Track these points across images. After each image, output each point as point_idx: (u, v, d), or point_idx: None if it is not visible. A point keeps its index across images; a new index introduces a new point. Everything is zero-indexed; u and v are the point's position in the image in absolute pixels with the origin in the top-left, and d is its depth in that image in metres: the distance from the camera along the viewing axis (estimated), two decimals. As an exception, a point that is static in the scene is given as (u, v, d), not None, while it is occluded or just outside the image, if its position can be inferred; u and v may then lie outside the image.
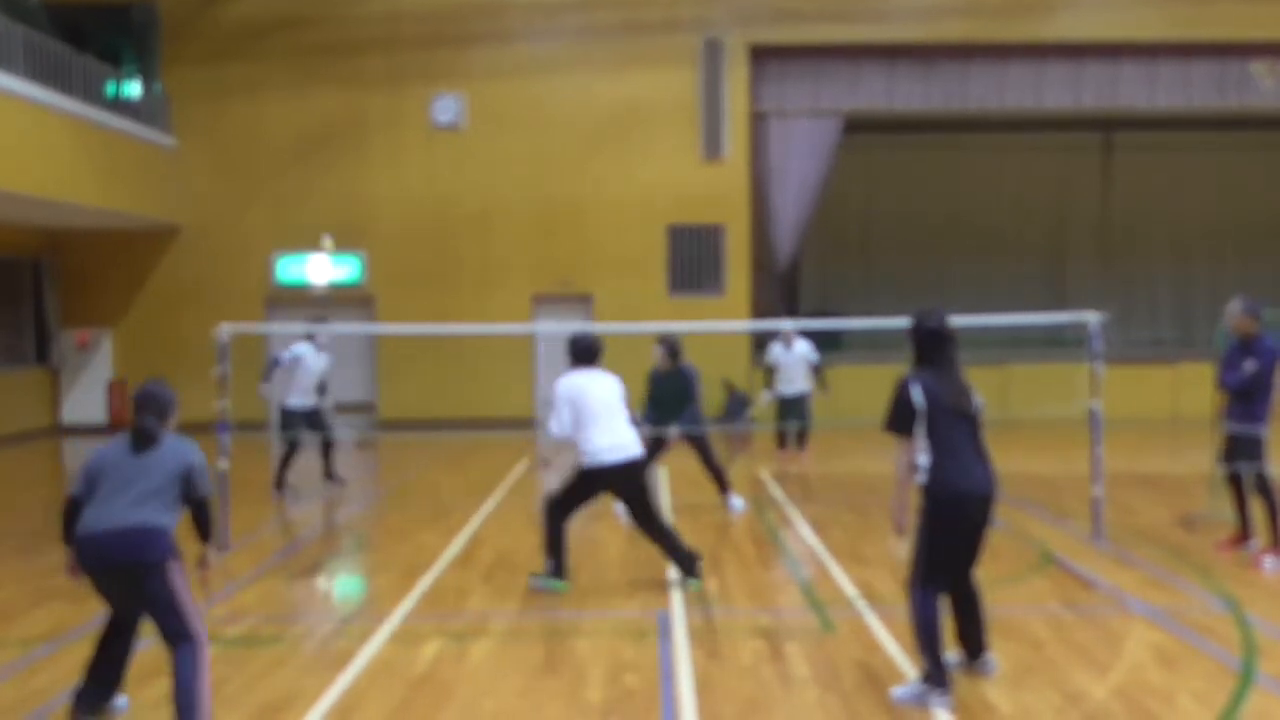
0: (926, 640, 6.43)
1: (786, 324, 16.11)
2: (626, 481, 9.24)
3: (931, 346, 6.64)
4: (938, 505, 6.46)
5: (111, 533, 6.11)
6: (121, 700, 6.49)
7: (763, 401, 17.29)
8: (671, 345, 12.73)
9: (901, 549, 10.73)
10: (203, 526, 6.44)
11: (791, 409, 16.48)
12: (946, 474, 6.44)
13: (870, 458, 16.91)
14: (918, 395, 6.47)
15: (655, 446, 12.66)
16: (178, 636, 6.09)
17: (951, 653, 6.79)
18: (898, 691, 6.53)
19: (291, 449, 14.61)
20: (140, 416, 6.37)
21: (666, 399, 12.62)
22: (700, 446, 12.75)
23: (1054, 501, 12.97)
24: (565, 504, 9.35)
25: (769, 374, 16.70)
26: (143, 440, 6.33)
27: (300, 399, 14.73)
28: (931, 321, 6.68)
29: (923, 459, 6.47)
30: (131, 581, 6.15)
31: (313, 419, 14.84)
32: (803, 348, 16.40)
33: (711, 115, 23.24)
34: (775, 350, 16.57)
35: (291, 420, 14.65)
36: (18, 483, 17.30)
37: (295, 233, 23.33)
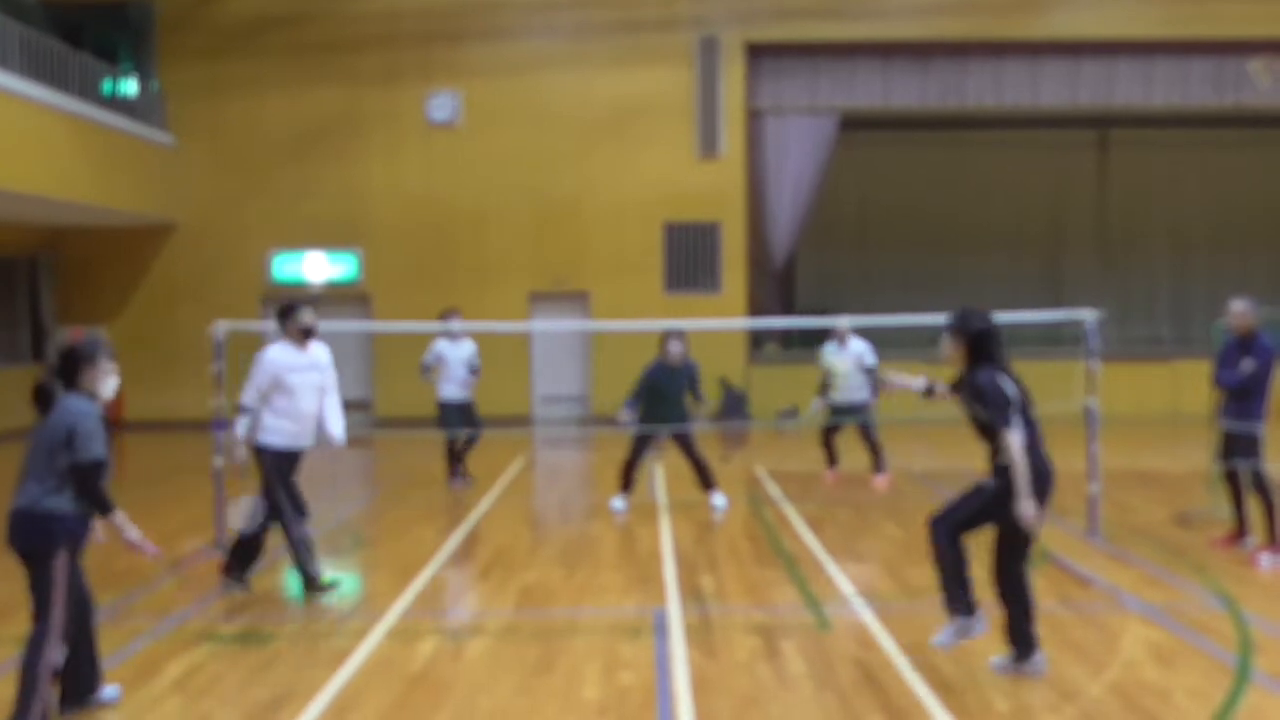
0: (953, 572, 6.68)
1: (842, 321, 14.27)
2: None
3: (987, 345, 6.80)
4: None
5: (9, 515, 5.91)
6: (110, 690, 6.44)
7: (812, 410, 15.00)
8: (685, 339, 12.70)
9: (889, 547, 10.75)
10: (88, 499, 5.88)
11: (845, 421, 14.41)
12: (1038, 457, 6.69)
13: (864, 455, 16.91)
14: (1009, 386, 6.69)
15: (643, 446, 12.66)
16: (35, 622, 5.94)
17: (997, 656, 6.91)
18: (939, 639, 6.80)
19: (452, 442, 14.85)
20: (41, 375, 5.94)
21: (672, 395, 12.61)
22: (685, 441, 12.71)
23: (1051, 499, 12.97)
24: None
25: (825, 378, 14.50)
26: (36, 402, 5.92)
27: (452, 391, 14.80)
28: (980, 323, 6.85)
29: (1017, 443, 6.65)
30: (25, 566, 5.97)
31: (466, 412, 14.87)
32: (858, 348, 14.26)
33: (708, 113, 23.23)
34: (828, 351, 14.44)
35: (447, 413, 14.82)
36: (14, 480, 17.26)
37: (292, 230, 23.33)
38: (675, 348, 12.56)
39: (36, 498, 5.87)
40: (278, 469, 9.03)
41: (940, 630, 6.92)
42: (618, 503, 12.80)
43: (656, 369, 12.66)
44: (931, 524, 6.89)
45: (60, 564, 5.89)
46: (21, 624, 8.29)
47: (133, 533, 6.09)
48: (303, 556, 9.04)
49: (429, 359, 14.85)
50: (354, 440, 21.71)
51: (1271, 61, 23.64)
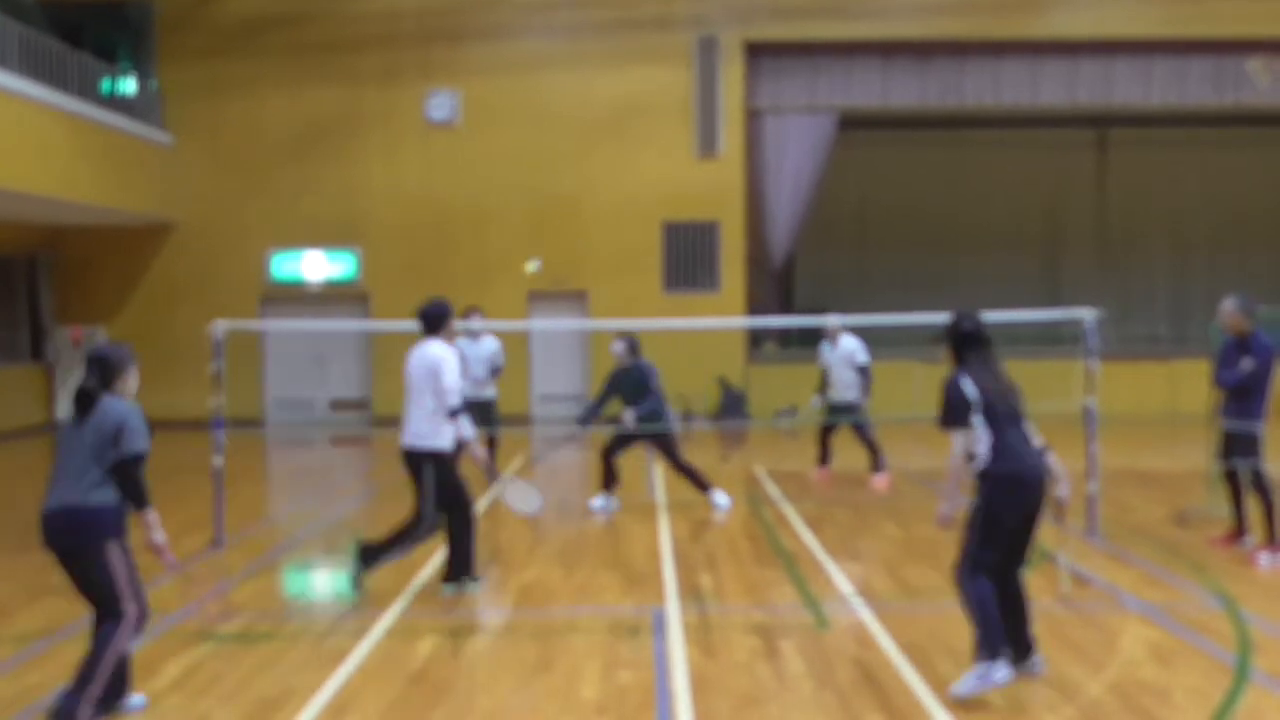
0: (982, 616, 6.40)
1: (832, 319, 14.36)
2: (409, 467, 9.01)
3: (968, 348, 6.73)
4: (995, 487, 6.48)
5: (50, 514, 6.03)
6: (137, 699, 6.42)
7: (811, 406, 14.97)
8: (632, 342, 12.79)
9: (888, 546, 10.76)
10: (128, 491, 6.04)
11: (839, 420, 14.39)
12: (1005, 458, 6.48)
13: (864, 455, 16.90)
14: (969, 387, 6.54)
15: (618, 443, 12.70)
16: (105, 615, 6.03)
17: None
18: (958, 687, 6.40)
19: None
20: (82, 379, 6.14)
21: (625, 395, 12.69)
22: (665, 447, 12.70)
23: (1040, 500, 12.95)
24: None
25: (823, 376, 14.56)
26: (79, 405, 6.09)
27: (471, 390, 14.57)
28: (967, 324, 6.78)
29: (981, 447, 6.51)
30: (72, 564, 6.06)
31: (484, 410, 14.53)
32: (849, 346, 14.21)
33: (707, 112, 23.23)
34: (824, 349, 14.49)
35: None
36: (12, 479, 17.27)
37: (290, 229, 23.33)
38: (614, 348, 12.80)
39: (81, 494, 5.99)
40: (452, 472, 8.95)
41: (962, 677, 6.53)
42: (597, 501, 12.77)
43: (614, 372, 12.84)
44: (954, 574, 6.63)
45: (115, 554, 6.03)
46: (21, 624, 8.32)
47: (159, 535, 6.21)
48: (394, 554, 9.00)
49: None
50: (353, 440, 21.79)
51: (1271, 61, 23.64)
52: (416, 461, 8.89)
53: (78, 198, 19.46)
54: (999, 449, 6.49)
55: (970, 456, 6.54)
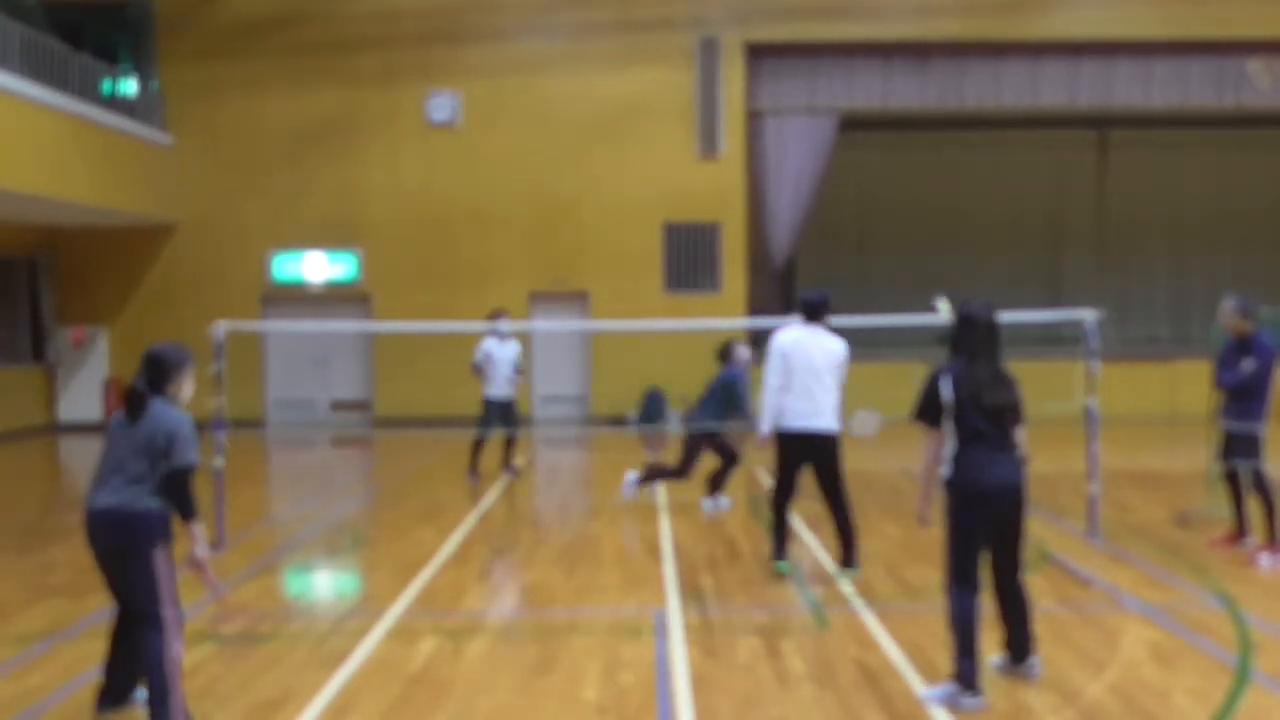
0: (959, 640, 6.34)
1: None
2: (809, 451, 9.20)
3: (961, 334, 6.57)
4: (958, 500, 6.41)
5: (97, 514, 5.98)
6: (142, 693, 6.43)
7: None
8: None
9: (889, 547, 10.76)
10: (178, 503, 5.96)
11: None
12: (967, 469, 6.39)
13: (865, 455, 16.92)
14: (946, 389, 6.42)
15: (697, 444, 12.70)
16: (144, 621, 5.98)
17: (995, 656, 6.79)
18: (926, 691, 6.47)
19: (482, 439, 15.10)
20: (134, 379, 6.07)
21: (719, 399, 12.69)
22: (720, 442, 12.80)
23: (1050, 499, 12.95)
24: (778, 480, 9.39)
25: None
26: (130, 406, 5.99)
27: (498, 390, 15.03)
28: (963, 309, 6.63)
29: (946, 454, 6.45)
30: (115, 565, 6.04)
31: (507, 410, 15.11)
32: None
33: (708, 113, 23.24)
34: None
35: (489, 411, 15.06)
36: (14, 480, 17.29)
37: (291, 230, 23.34)
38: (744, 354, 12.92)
39: (131, 497, 5.94)
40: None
41: (936, 684, 6.58)
42: (710, 503, 12.80)
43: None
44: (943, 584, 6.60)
45: (160, 559, 5.98)
46: (22, 625, 8.31)
47: (203, 550, 6.12)
48: (855, 538, 9.36)
49: (479, 358, 15.02)
50: (354, 440, 21.81)
51: (1271, 62, 23.65)
52: (826, 445, 9.12)
53: (78, 198, 19.46)
54: (960, 460, 6.40)
55: (940, 459, 6.50)
